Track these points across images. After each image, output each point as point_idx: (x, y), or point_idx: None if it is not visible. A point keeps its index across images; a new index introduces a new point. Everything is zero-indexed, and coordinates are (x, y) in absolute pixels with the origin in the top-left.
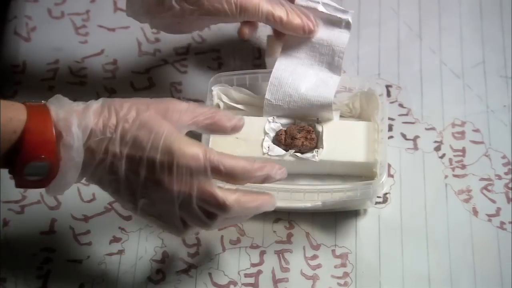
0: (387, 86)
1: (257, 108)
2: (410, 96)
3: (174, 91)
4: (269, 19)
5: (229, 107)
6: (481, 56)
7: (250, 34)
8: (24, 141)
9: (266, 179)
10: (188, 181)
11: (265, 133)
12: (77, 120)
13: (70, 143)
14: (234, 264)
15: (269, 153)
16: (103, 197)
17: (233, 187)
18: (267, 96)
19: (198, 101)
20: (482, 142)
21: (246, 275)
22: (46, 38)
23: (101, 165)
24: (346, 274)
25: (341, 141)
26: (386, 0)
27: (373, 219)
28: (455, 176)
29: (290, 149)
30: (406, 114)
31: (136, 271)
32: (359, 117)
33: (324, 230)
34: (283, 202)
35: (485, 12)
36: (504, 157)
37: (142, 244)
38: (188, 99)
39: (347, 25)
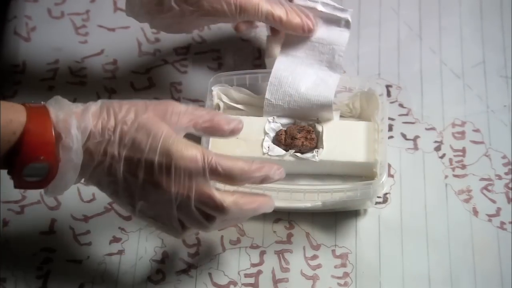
0: (387, 86)
1: (257, 108)
2: (410, 96)
3: (174, 91)
4: (269, 19)
5: (229, 107)
6: (481, 56)
7: (247, 29)
8: (24, 142)
9: (264, 180)
10: (186, 183)
11: (265, 133)
12: (76, 122)
13: (69, 145)
14: (234, 264)
15: (269, 153)
16: (103, 197)
17: (232, 188)
18: (267, 96)
19: (198, 101)
20: (482, 142)
21: (246, 275)
22: (46, 38)
23: (99, 167)
24: (346, 274)
25: (341, 141)
26: (386, 0)
27: (373, 219)
28: (455, 176)
29: (290, 149)
30: (406, 114)
31: (136, 271)
32: (359, 117)
33: (324, 230)
34: (283, 202)
35: (485, 12)
36: (504, 157)
37: (142, 244)
38: (188, 99)
39: (347, 24)
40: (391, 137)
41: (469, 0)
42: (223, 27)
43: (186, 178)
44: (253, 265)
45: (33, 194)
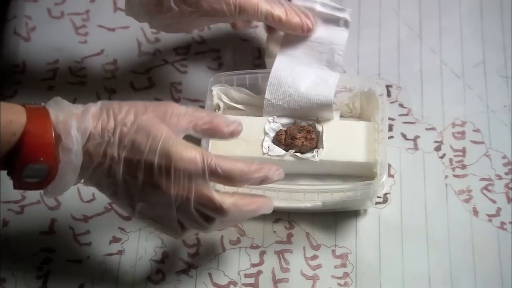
0: (387, 86)
1: (257, 108)
2: (410, 96)
3: (174, 91)
4: (268, 18)
5: (229, 107)
6: (482, 56)
7: (244, 26)
8: (24, 143)
9: (263, 181)
10: (186, 184)
11: (265, 133)
12: (76, 123)
13: (69, 146)
14: (234, 264)
15: (269, 153)
16: (102, 197)
17: (231, 189)
18: (267, 96)
19: (198, 101)
20: (482, 142)
21: (246, 275)
22: (46, 38)
23: (99, 168)
24: (346, 274)
25: (341, 141)
26: (386, 0)
27: (373, 219)
28: (455, 176)
29: (290, 149)
30: (406, 114)
31: (136, 271)
32: (359, 117)
33: (324, 230)
34: (283, 202)
35: (485, 12)
36: (504, 157)
37: (142, 244)
38: (188, 99)
39: (346, 23)
40: (391, 137)
41: (469, 0)
42: (223, 27)
43: (186, 179)
44: (253, 265)
45: (33, 194)
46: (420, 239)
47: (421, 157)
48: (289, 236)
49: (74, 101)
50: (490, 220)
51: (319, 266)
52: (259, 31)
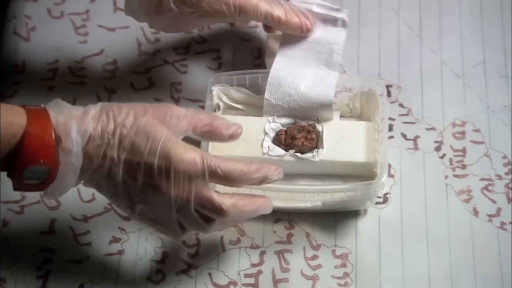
0: (387, 86)
1: (257, 108)
2: (411, 96)
3: (174, 91)
4: (268, 19)
5: (229, 107)
6: (482, 56)
7: (241, 24)
8: (24, 145)
9: (263, 181)
10: (185, 186)
11: (265, 133)
12: (76, 125)
13: (69, 148)
14: (234, 264)
15: (269, 153)
16: (102, 197)
17: (231, 189)
18: (267, 96)
19: (198, 101)
20: (482, 142)
21: (246, 276)
22: (45, 38)
23: (99, 170)
24: (346, 275)
25: (341, 141)
26: (386, 0)
27: (373, 219)
28: (455, 176)
29: (290, 149)
30: (407, 114)
31: (136, 271)
32: (359, 117)
33: (324, 230)
34: (283, 202)
35: (486, 12)
36: (504, 157)
37: (142, 245)
38: (188, 99)
39: (344, 23)
40: (391, 137)
41: (469, 0)
42: (223, 27)
43: (186, 181)
44: (253, 265)
45: (33, 194)
46: (420, 239)
47: (421, 157)
48: (289, 236)
49: (74, 101)
50: (490, 220)
51: (319, 266)
52: (259, 31)
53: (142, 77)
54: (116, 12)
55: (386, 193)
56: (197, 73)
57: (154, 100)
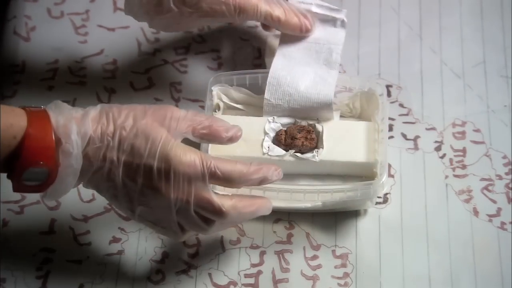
0: (388, 86)
1: (257, 108)
2: (411, 96)
3: (174, 91)
4: (268, 19)
5: (229, 107)
6: (482, 56)
7: (240, 22)
8: (24, 147)
9: (263, 181)
10: (185, 188)
11: (265, 133)
12: (76, 127)
13: (70, 150)
14: (234, 264)
15: (269, 153)
16: (102, 197)
17: (230, 191)
18: (267, 96)
19: (198, 101)
20: (482, 142)
21: (246, 276)
22: (45, 38)
23: (98, 172)
24: (346, 275)
25: (341, 141)
26: (386, 0)
27: (373, 219)
28: (455, 176)
29: (290, 149)
30: (407, 114)
31: (136, 271)
32: (359, 117)
33: (324, 231)
34: (283, 202)
35: (486, 12)
36: (504, 157)
37: (142, 245)
38: (188, 99)
39: (343, 24)
40: (391, 137)
41: (469, 0)
42: (223, 27)
43: (185, 183)
44: (253, 265)
45: (33, 194)
46: (420, 239)
47: (421, 157)
48: (289, 236)
49: (74, 100)
50: (490, 220)
51: (319, 266)
52: (259, 31)
53: (142, 77)
54: (116, 12)
55: (386, 193)
56: (197, 73)
57: (154, 100)
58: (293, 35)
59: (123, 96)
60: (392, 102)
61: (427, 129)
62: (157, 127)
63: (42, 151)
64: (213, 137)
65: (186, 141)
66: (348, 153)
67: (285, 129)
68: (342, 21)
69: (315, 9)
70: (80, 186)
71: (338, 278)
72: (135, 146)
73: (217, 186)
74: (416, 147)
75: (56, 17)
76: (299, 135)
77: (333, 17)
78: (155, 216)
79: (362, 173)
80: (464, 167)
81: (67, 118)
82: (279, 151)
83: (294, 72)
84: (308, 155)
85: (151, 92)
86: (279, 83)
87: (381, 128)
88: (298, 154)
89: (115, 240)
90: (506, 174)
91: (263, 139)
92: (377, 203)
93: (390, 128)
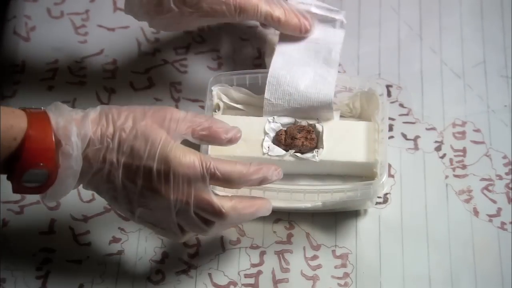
0: (388, 86)
1: (257, 108)
2: (411, 96)
3: (174, 91)
4: (268, 19)
5: (229, 107)
6: (482, 56)
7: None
8: (24, 148)
9: (262, 181)
10: (185, 189)
11: (265, 133)
12: (76, 129)
13: (69, 152)
14: (234, 264)
15: (269, 153)
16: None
17: (230, 191)
18: (267, 95)
19: (198, 101)
20: (482, 142)
21: (246, 276)
22: (45, 37)
23: (98, 174)
24: (346, 275)
25: (341, 141)
26: (386, 0)
27: (373, 219)
28: (455, 176)
29: (290, 149)
30: (407, 114)
31: (136, 271)
32: (360, 117)
33: (324, 231)
34: (283, 202)
35: (486, 12)
36: (505, 157)
37: (142, 245)
38: (188, 99)
39: (342, 25)
40: (391, 137)
41: (469, 0)
42: (223, 27)
43: (185, 184)
44: (253, 265)
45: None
46: (420, 239)
47: (421, 157)
48: (289, 236)
49: (74, 100)
50: (490, 220)
51: (319, 266)
52: (259, 31)
53: (142, 77)
54: (116, 12)
55: (386, 193)
56: (197, 73)
57: (154, 100)
58: (292, 35)
59: (123, 96)
60: (392, 102)
61: (427, 129)
62: (157, 128)
63: (42, 153)
64: (212, 139)
65: (186, 143)
66: (348, 153)
67: (285, 129)
68: (341, 22)
69: (314, 10)
70: (80, 186)
71: (338, 278)
72: (134, 147)
73: (217, 187)
74: (416, 147)
75: (56, 17)
76: (299, 135)
77: (332, 18)
78: (155, 217)
79: (362, 173)
80: (464, 167)
81: (67, 120)
82: (279, 151)
83: (293, 71)
84: (308, 155)
85: (151, 92)
86: (279, 83)
87: (381, 128)
88: (298, 154)
89: (115, 240)
90: (506, 174)
91: (263, 139)
92: (377, 203)
93: (390, 128)
